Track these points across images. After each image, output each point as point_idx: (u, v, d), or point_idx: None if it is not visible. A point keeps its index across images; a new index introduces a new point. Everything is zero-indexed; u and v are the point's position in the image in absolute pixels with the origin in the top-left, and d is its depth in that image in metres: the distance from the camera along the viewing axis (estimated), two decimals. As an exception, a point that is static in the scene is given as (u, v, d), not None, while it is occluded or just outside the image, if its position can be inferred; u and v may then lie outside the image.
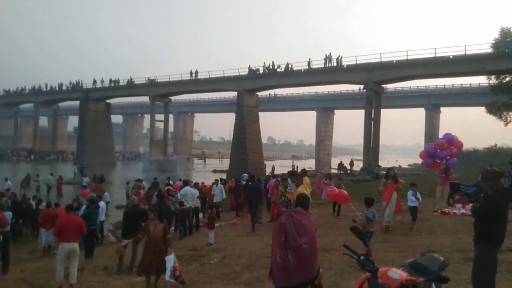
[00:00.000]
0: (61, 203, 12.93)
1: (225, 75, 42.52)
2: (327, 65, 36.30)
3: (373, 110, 34.50)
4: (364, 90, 36.07)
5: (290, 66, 38.67)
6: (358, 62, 34.84)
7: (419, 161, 16.39)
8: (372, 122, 34.47)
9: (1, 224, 7.55)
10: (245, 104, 40.79)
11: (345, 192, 11.34)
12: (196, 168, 54.66)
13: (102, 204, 10.92)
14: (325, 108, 62.55)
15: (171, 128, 66.12)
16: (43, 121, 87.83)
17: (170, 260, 6.06)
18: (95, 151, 53.25)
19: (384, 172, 14.78)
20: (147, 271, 6.18)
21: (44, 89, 61.27)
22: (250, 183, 12.92)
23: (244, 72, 41.37)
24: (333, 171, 36.60)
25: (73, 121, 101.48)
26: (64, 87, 58.58)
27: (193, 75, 45.05)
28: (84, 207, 10.27)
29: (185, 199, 11.80)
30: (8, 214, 8.60)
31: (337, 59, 35.96)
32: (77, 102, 59.42)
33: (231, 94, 63.38)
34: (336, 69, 36.23)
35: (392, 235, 9.35)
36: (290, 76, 39.05)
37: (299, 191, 7.89)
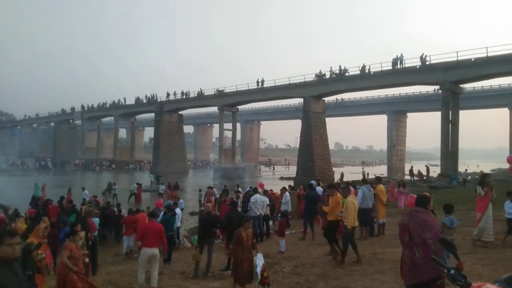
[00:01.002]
0: (140, 209, 13.75)
1: (291, 82, 42.56)
2: (398, 66, 34.70)
3: (450, 112, 32.25)
4: (440, 91, 33.86)
5: (368, 67, 36.93)
6: (432, 61, 32.85)
7: (504, 165, 14.91)
8: (450, 124, 32.21)
9: (90, 230, 8.18)
10: (312, 110, 40.38)
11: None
12: (263, 175, 55.14)
13: (178, 211, 11.40)
14: (396, 111, 59.58)
15: (238, 136, 67.73)
16: (122, 133, 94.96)
17: (261, 259, 6.11)
18: (169, 160, 56.33)
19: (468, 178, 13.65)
20: (247, 280, 6.18)
21: (123, 104, 66.34)
22: (307, 191, 12.58)
23: (310, 78, 41.08)
24: (406, 177, 34.74)
25: (148, 132, 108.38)
26: (140, 101, 62.81)
27: (260, 84, 45.75)
28: (161, 214, 10.80)
29: (255, 206, 11.88)
30: (96, 220, 9.31)
31: (401, 59, 34.26)
32: (152, 114, 63.28)
33: (297, 101, 63.31)
34: (407, 70, 34.50)
35: (479, 247, 8.59)
36: (358, 80, 37.92)
37: (348, 201, 7.87)
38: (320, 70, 40.64)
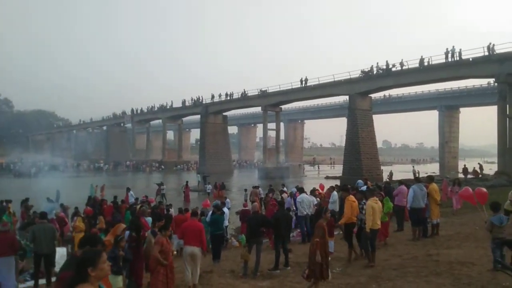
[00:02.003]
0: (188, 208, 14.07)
1: (336, 79, 41.84)
2: (450, 59, 33.01)
3: (507, 106, 30.25)
4: (496, 84, 31.84)
5: (428, 59, 34.89)
6: (485, 53, 30.93)
7: None
8: (507, 119, 30.20)
9: (144, 228, 8.50)
10: (358, 107, 39.45)
11: (483, 189, 10.08)
12: (307, 174, 54.64)
13: (226, 210, 11.58)
14: (448, 106, 56.49)
15: (282, 136, 67.59)
16: (170, 135, 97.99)
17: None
18: (214, 160, 57.42)
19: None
20: (326, 273, 6.13)
21: (170, 107, 68.50)
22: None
23: (356, 74, 40.13)
24: (460, 175, 33.00)
25: (195, 134, 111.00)
26: (186, 104, 64.52)
27: (303, 82, 45.38)
28: (210, 213, 11.01)
29: (302, 206, 11.80)
30: (149, 220, 9.64)
31: (453, 52, 32.46)
32: (198, 116, 64.81)
33: (342, 98, 62.11)
34: (458, 63, 32.75)
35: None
36: (407, 75, 36.54)
37: (367, 204, 7.84)
38: (373, 65, 39.19)
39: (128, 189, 21.46)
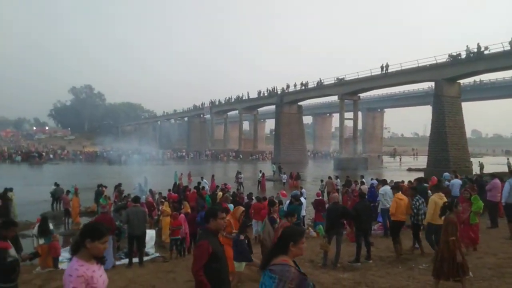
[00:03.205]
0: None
1: (420, 64, 39.14)
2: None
3: None
4: None
5: None
6: None
7: None
8: None
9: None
10: (444, 94, 36.52)
11: None
12: (387, 166, 52.27)
13: (303, 200, 11.57)
14: (551, 92, 50.16)
15: (360, 125, 65.30)
16: (246, 125, 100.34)
17: None
18: (289, 150, 57.54)
19: None
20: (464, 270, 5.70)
21: (246, 97, 69.96)
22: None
23: (443, 59, 37.14)
24: None
25: (269, 124, 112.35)
26: (262, 94, 65.32)
27: (384, 69, 43.20)
28: (287, 202, 11.06)
29: (385, 198, 11.34)
30: (231, 206, 9.98)
31: None
32: (273, 107, 65.29)
33: (427, 85, 58.18)
34: None
35: None
36: (502, 58, 32.88)
37: (431, 199, 7.62)
38: (468, 46, 35.39)
39: (201, 178, 22.67)
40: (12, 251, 4.54)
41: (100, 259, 2.86)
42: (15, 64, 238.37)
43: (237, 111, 76.52)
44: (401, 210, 8.59)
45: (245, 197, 15.34)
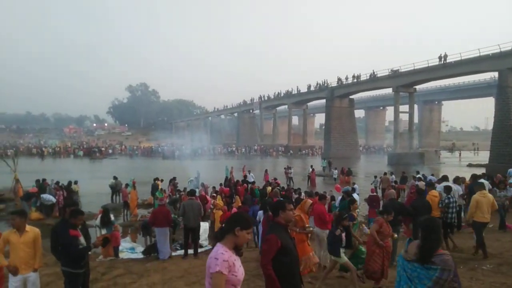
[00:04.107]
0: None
1: (481, 54, 36.63)
2: None
3: None
4: None
5: None
6: None
7: None
8: None
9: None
10: (509, 85, 33.92)
11: None
12: (446, 161, 49.60)
13: (356, 196, 11.30)
14: None
15: (416, 119, 62.46)
16: (295, 120, 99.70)
17: None
18: (340, 145, 56.50)
19: None
20: None
21: (296, 92, 69.47)
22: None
23: (507, 47, 34.45)
24: None
25: (319, 119, 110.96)
26: (312, 88, 64.53)
27: (442, 59, 40.90)
28: (340, 198, 10.86)
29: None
30: (281, 200, 9.95)
31: None
32: (323, 101, 64.25)
33: (489, 75, 54.40)
34: None
35: None
36: None
37: (473, 198, 7.73)
38: None
39: (249, 171, 22.92)
40: (82, 239, 4.87)
41: (238, 250, 2.91)
42: (77, 66, 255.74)
43: (286, 106, 76.28)
44: (435, 206, 8.63)
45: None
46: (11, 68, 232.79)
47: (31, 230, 5.11)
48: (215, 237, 3.39)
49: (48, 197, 15.36)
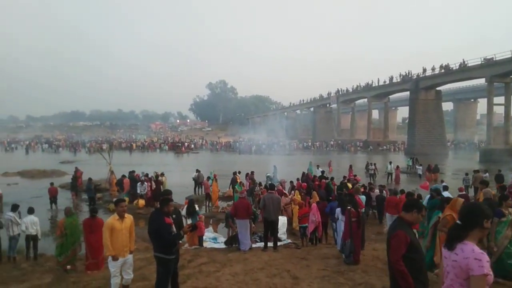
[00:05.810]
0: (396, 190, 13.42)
1: None
2: None
3: None
4: None
5: None
6: None
7: None
8: None
9: (359, 206, 8.56)
10: None
11: None
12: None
13: (448, 194, 10.50)
14: None
15: (512, 111, 56.23)
16: (375, 114, 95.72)
17: None
18: (425, 140, 53.05)
19: None
20: None
21: (376, 84, 66.59)
22: None
23: None
24: None
25: (402, 112, 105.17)
26: (394, 80, 61.31)
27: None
28: (428, 197, 10.22)
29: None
30: (363, 198, 9.66)
31: None
32: (406, 93, 60.72)
33: None
34: None
35: None
36: None
37: None
38: None
39: (317, 166, 22.53)
40: (173, 227, 5.18)
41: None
42: (162, 66, 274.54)
43: (365, 100, 73.47)
44: None
45: (376, 189, 14.70)
46: (107, 74, 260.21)
47: (128, 217, 5.60)
48: (455, 237, 2.77)
49: (140, 188, 16.78)
